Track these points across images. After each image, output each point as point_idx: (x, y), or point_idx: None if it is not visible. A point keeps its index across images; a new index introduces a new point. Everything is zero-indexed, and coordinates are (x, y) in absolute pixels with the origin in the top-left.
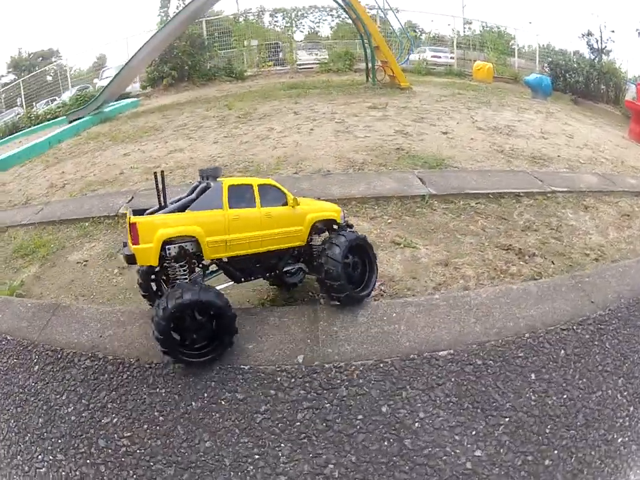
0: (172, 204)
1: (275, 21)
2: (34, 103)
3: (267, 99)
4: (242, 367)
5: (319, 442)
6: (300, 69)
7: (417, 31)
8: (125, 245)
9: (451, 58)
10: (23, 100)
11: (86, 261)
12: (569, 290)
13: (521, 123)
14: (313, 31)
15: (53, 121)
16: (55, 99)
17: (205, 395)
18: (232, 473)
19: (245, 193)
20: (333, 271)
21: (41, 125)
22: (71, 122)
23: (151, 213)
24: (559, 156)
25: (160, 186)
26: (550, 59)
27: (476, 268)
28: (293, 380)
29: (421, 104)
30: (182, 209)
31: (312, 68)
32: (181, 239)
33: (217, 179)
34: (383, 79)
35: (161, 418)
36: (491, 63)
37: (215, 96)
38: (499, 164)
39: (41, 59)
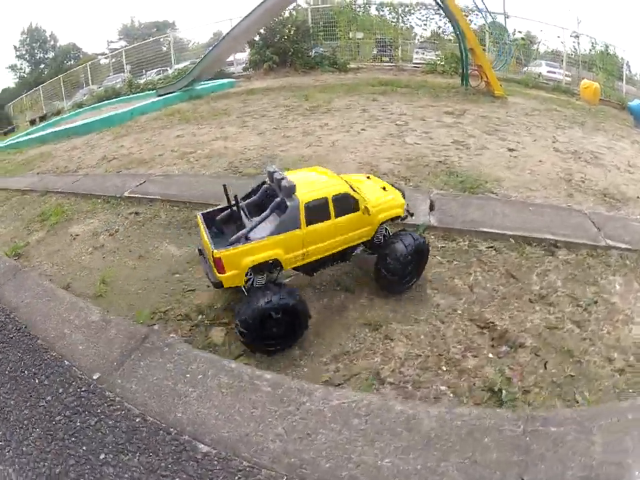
0: (245, 208)
1: (381, 15)
2: (144, 71)
3: (350, 93)
4: None
5: None
6: (406, 67)
7: (528, 40)
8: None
9: (566, 75)
10: (125, 67)
11: (77, 235)
12: None
13: (610, 151)
14: (422, 28)
15: (147, 92)
16: (166, 70)
17: None
18: None
19: (320, 207)
20: (393, 267)
21: (137, 94)
22: (160, 95)
23: (224, 219)
24: (639, 197)
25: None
26: None
27: (405, 355)
28: None
29: (506, 115)
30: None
31: (418, 67)
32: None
33: (292, 196)
34: (479, 85)
35: None
36: (598, 83)
37: (307, 85)
38: (556, 196)
39: (155, 29)
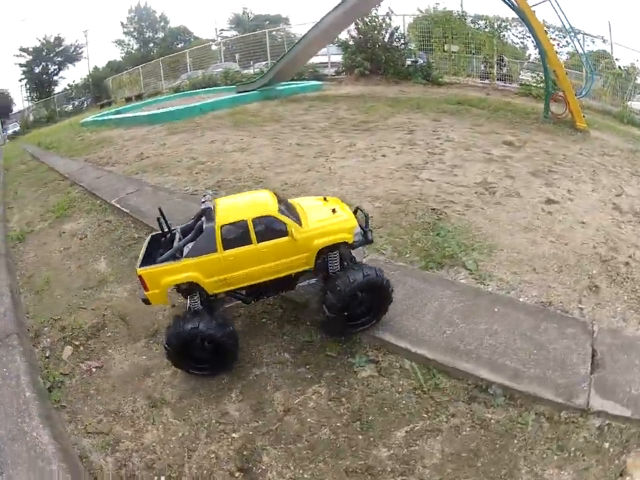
0: (180, 233)
1: (477, 28)
2: (251, 62)
3: (418, 110)
4: None
5: None
6: (505, 87)
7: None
8: None
9: None
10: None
11: (64, 232)
12: None
13: None
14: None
15: (230, 86)
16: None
17: None
18: None
19: (239, 230)
20: (330, 303)
21: (225, 86)
22: (238, 92)
23: (166, 242)
24: None
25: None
26: None
27: None
28: None
29: (577, 153)
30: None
31: (511, 88)
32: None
33: (212, 218)
34: (564, 114)
35: None
36: None
37: (385, 96)
38: (568, 293)
39: (267, 22)
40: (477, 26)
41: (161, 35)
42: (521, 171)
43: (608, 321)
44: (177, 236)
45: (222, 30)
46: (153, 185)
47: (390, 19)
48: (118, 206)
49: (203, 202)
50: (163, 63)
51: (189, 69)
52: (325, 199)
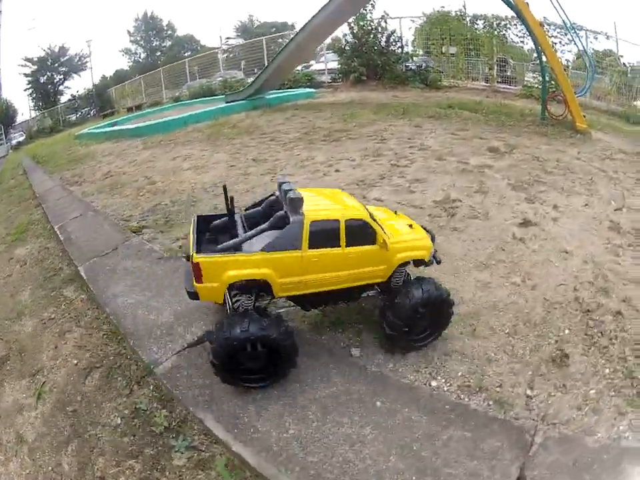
0: (243, 218)
1: (475, 28)
2: (255, 70)
3: (400, 116)
4: None
5: None
6: (502, 88)
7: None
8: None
9: None
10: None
11: (12, 258)
12: None
13: None
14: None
15: (219, 96)
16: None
17: None
18: None
19: (329, 230)
20: (392, 322)
21: (221, 96)
22: (227, 102)
23: (219, 227)
24: None
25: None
26: None
27: None
28: None
29: (573, 158)
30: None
31: (512, 90)
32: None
33: (299, 211)
34: (563, 115)
35: None
36: None
37: (377, 102)
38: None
39: (274, 29)
40: (475, 26)
41: (168, 43)
42: (498, 184)
43: (566, 419)
44: (240, 222)
45: (228, 38)
46: (95, 210)
47: (385, 22)
48: (58, 232)
49: (287, 190)
50: (164, 72)
51: (188, 79)
52: (395, 212)
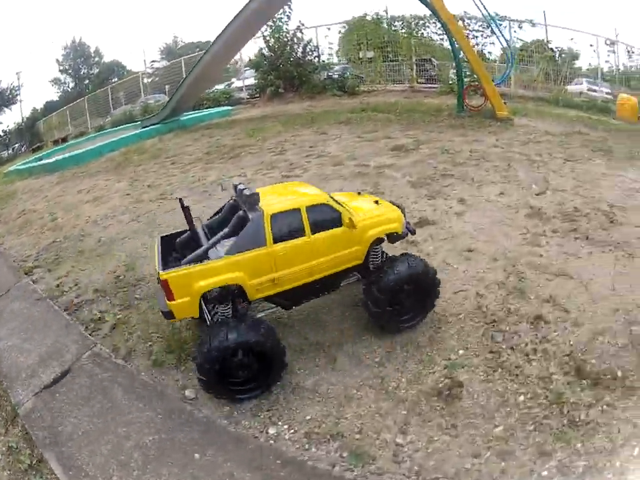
0: (205, 229)
1: (394, 30)
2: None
3: (309, 125)
4: None
5: None
6: (423, 87)
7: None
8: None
9: (606, 92)
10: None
11: None
12: None
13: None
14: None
15: (134, 123)
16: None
17: None
18: None
19: (291, 221)
20: (377, 298)
21: (134, 123)
22: (143, 127)
23: (183, 243)
24: None
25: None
26: None
27: None
28: None
29: (492, 146)
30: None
31: (434, 88)
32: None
33: (256, 207)
34: (483, 106)
35: None
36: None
37: (289, 114)
38: None
39: (198, 49)
40: (393, 28)
41: (95, 70)
42: (397, 183)
43: (455, 472)
44: (202, 233)
45: (153, 61)
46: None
47: (301, 32)
48: None
49: (242, 189)
50: (89, 101)
51: (111, 106)
52: (359, 193)
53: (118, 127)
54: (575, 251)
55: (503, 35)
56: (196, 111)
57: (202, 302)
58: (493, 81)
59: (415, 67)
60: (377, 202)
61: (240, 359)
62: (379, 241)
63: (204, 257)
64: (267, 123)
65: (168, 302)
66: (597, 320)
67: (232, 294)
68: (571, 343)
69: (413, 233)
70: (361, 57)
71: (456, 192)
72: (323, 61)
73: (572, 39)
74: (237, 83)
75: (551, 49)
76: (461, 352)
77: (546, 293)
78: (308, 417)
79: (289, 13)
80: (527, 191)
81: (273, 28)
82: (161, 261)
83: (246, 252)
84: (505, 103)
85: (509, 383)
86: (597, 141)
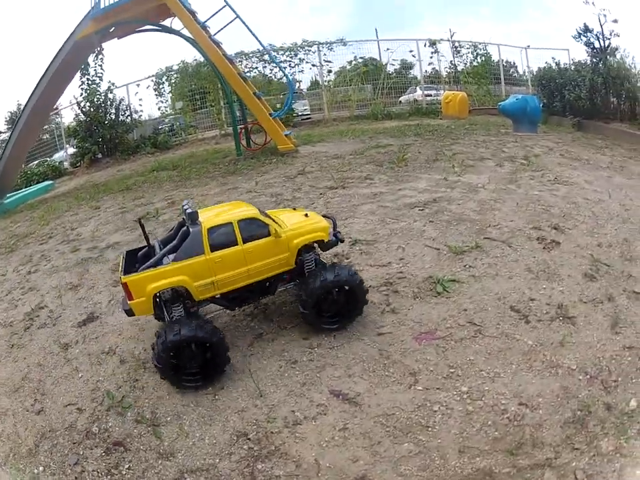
0: (160, 243)
1: (201, 76)
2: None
3: (91, 198)
4: None
5: None
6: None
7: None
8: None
9: (426, 95)
10: None
11: None
12: None
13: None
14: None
15: None
16: (46, 160)
17: None
18: None
19: (225, 233)
20: (304, 301)
21: None
22: None
23: (143, 255)
24: None
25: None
26: (540, 73)
27: None
28: None
29: (248, 192)
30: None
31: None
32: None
33: (197, 222)
34: (268, 142)
35: None
36: (465, 92)
37: (101, 182)
38: None
39: None
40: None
41: None
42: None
43: None
44: (157, 247)
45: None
46: None
47: (111, 92)
48: None
49: (186, 209)
50: None
51: None
52: (294, 208)
53: None
54: None
55: (279, 66)
56: (19, 191)
57: (162, 304)
58: (271, 115)
59: (222, 110)
60: (306, 215)
61: (190, 351)
62: (309, 248)
63: (158, 265)
64: (61, 200)
65: (129, 302)
66: None
67: (182, 296)
68: None
69: (342, 241)
70: (176, 107)
71: None
72: (134, 119)
73: (387, 49)
74: (59, 154)
75: (365, 65)
76: None
77: None
78: None
79: (101, 73)
80: None
81: (89, 91)
82: (123, 269)
83: (188, 259)
84: (291, 133)
85: None
86: (394, 152)
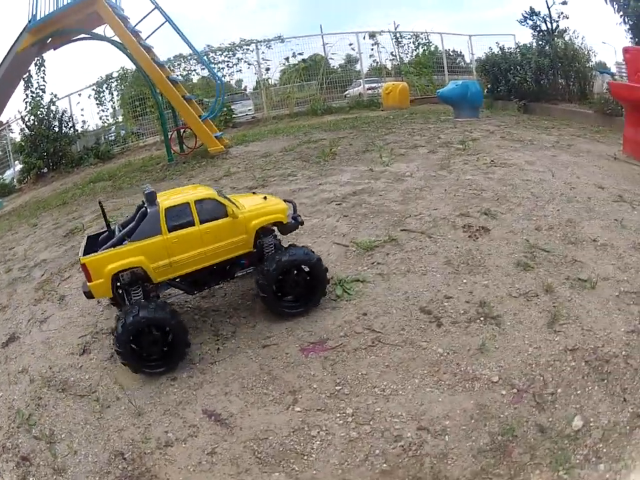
0: (119, 227)
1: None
2: None
3: (26, 217)
4: None
5: None
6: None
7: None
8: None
9: (368, 88)
10: None
11: None
12: None
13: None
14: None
15: None
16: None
17: None
18: None
19: (182, 213)
20: (261, 283)
21: None
22: None
23: (104, 239)
24: None
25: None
26: (483, 58)
27: None
28: None
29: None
30: (123, 238)
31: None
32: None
33: (154, 203)
34: (198, 145)
35: None
36: (407, 82)
37: (43, 197)
38: None
39: None
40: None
41: None
42: None
43: None
44: (117, 231)
45: None
46: None
47: (54, 104)
48: None
49: (145, 191)
50: None
51: None
52: (253, 193)
53: None
54: None
55: (208, 67)
56: None
57: (122, 290)
58: (200, 117)
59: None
60: (265, 197)
61: (150, 334)
62: (268, 231)
63: (117, 246)
64: (6, 219)
65: (88, 283)
66: None
67: (141, 278)
68: None
69: (302, 223)
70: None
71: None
72: (77, 132)
73: (327, 44)
74: (9, 172)
75: (303, 60)
76: None
77: None
78: None
79: (44, 85)
80: None
81: (33, 105)
82: (83, 251)
83: (146, 239)
84: (221, 135)
85: None
86: (325, 146)
